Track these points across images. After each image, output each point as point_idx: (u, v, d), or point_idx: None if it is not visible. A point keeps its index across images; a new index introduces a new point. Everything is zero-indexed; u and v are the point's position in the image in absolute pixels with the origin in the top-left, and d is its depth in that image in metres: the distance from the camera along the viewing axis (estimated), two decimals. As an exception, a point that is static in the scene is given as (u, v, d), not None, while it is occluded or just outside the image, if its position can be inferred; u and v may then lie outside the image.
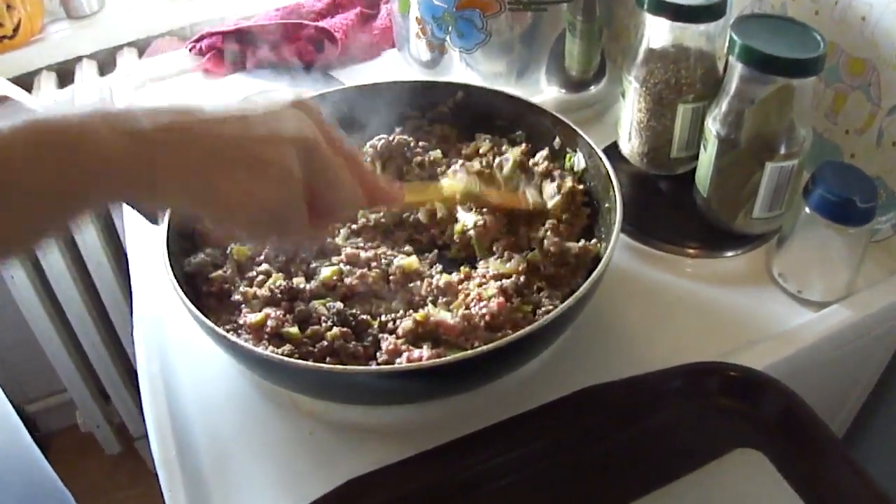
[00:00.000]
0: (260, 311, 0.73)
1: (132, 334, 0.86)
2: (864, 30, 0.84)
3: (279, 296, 0.75)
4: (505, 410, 0.71)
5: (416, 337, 0.71)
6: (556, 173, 0.87)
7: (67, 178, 0.46)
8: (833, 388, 0.93)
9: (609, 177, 0.79)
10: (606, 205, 0.80)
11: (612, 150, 1.00)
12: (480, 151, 0.91)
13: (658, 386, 0.73)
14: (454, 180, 0.85)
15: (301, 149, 0.55)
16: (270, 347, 0.69)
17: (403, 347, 0.69)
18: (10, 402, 0.99)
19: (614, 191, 0.77)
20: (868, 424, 1.02)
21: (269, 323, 0.71)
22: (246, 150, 0.52)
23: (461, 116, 0.96)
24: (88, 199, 0.49)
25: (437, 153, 0.91)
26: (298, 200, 0.56)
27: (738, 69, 0.80)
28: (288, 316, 0.73)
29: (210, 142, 0.51)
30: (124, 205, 0.55)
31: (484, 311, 0.71)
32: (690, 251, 0.90)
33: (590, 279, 0.69)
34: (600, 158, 0.81)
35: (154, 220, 0.79)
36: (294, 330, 0.71)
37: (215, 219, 0.57)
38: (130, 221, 1.01)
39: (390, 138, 0.92)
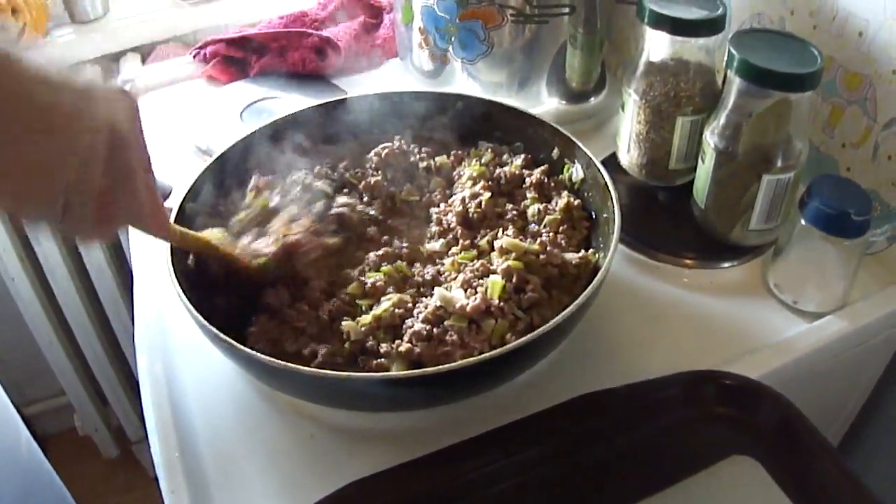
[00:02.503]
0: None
1: (132, 338, 0.87)
2: (861, 45, 0.85)
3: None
4: (504, 416, 0.72)
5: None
6: (552, 189, 0.88)
7: None
8: (828, 397, 0.94)
9: (607, 188, 0.80)
10: (605, 215, 0.81)
11: (612, 162, 1.01)
12: (483, 161, 0.92)
13: (655, 393, 0.74)
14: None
15: (114, 138, 0.52)
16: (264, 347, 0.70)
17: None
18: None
19: (612, 202, 0.78)
20: (863, 433, 1.03)
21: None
22: (56, 120, 0.49)
23: (460, 126, 0.97)
24: None
25: (442, 158, 0.93)
26: (90, 190, 0.52)
27: (736, 83, 0.81)
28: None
29: (17, 102, 0.47)
30: None
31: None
32: (688, 261, 0.91)
33: (587, 289, 0.70)
34: (598, 169, 0.82)
35: None
36: None
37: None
38: (134, 232, 1.01)
39: (394, 147, 0.93)
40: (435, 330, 0.71)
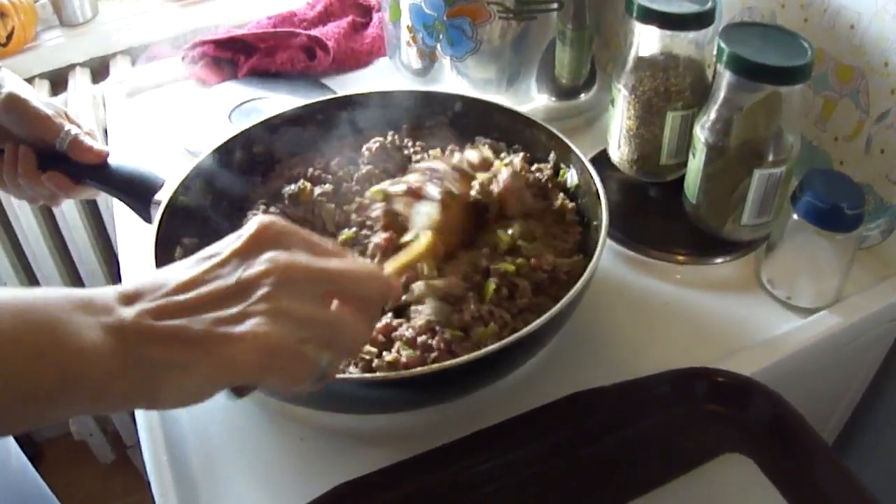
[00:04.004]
0: None
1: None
2: (853, 38, 0.84)
3: None
4: (495, 415, 0.71)
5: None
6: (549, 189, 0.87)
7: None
8: (823, 394, 0.94)
9: (598, 195, 0.79)
10: (595, 222, 0.80)
11: (602, 158, 1.00)
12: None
13: (647, 391, 0.73)
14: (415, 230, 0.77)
15: (282, 284, 0.48)
16: None
17: None
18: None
19: (602, 209, 0.77)
20: (858, 430, 1.02)
21: None
22: (227, 335, 0.46)
23: (459, 127, 0.96)
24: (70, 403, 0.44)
25: (436, 152, 0.92)
26: (306, 334, 0.48)
27: (726, 77, 0.81)
28: None
29: (198, 342, 0.45)
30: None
31: None
32: (680, 258, 0.90)
33: (564, 299, 0.68)
34: (591, 176, 0.81)
35: (148, 220, 0.81)
36: None
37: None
38: (122, 225, 1.01)
39: (386, 141, 0.92)
40: (419, 338, 0.70)
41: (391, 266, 0.68)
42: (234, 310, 0.47)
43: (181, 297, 0.46)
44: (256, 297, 0.47)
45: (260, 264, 0.48)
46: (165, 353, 0.45)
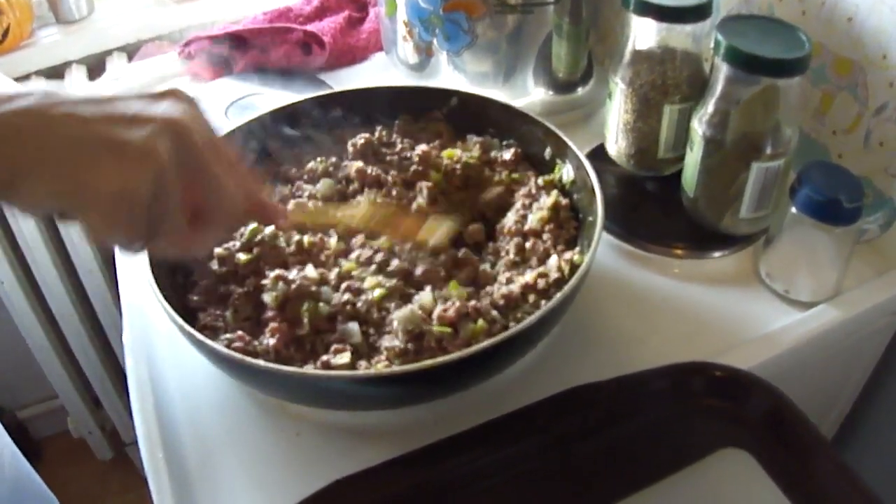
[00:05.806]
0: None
1: (122, 339, 0.86)
2: (851, 30, 0.84)
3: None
4: (492, 411, 0.71)
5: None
6: (541, 188, 0.87)
7: None
8: (822, 388, 0.93)
9: (594, 191, 0.78)
10: (590, 218, 0.79)
11: (600, 152, 1.00)
12: (472, 154, 0.91)
13: (644, 386, 0.73)
14: (353, 208, 0.82)
15: (171, 133, 0.50)
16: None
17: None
18: (2, 407, 0.99)
19: (598, 205, 0.76)
20: (858, 425, 1.02)
21: None
22: (106, 132, 0.48)
23: (454, 122, 0.96)
24: None
25: (423, 146, 0.91)
26: (168, 187, 0.50)
27: (723, 70, 0.80)
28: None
29: (70, 125, 0.48)
30: None
31: None
32: (678, 252, 0.90)
33: (559, 293, 0.68)
34: (587, 172, 0.81)
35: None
36: None
37: (82, 214, 0.49)
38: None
39: (374, 137, 0.92)
40: (410, 345, 0.70)
41: (299, 212, 0.75)
42: (121, 129, 0.49)
43: (83, 108, 0.49)
44: (144, 130, 0.49)
45: (162, 106, 0.51)
46: (21, 119, 0.47)
